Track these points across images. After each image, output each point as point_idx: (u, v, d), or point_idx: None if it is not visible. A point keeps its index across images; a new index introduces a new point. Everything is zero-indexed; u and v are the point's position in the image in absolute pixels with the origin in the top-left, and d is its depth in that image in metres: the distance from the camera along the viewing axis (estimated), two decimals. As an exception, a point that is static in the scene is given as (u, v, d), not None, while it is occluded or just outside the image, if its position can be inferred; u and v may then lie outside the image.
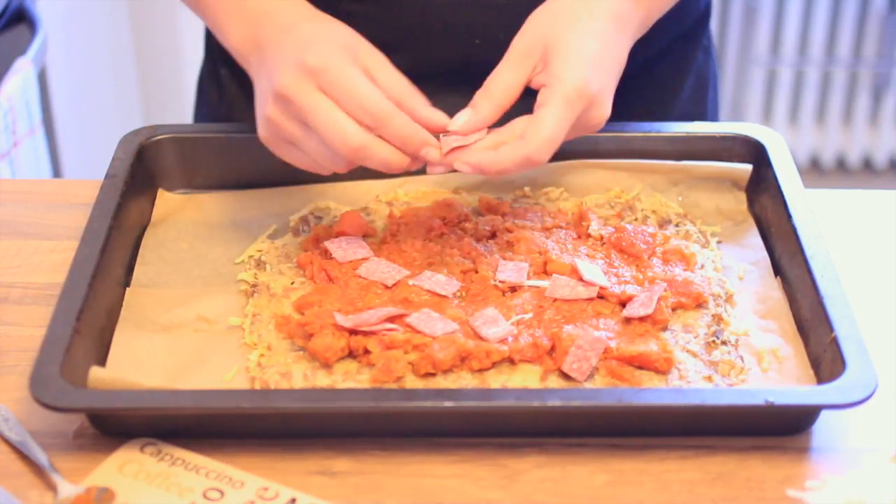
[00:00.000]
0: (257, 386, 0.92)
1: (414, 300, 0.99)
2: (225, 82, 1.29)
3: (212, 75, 1.32)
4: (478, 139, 0.97)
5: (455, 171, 0.98)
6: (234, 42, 1.05)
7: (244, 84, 1.26)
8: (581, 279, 1.01)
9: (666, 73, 1.27)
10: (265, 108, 0.97)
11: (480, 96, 0.99)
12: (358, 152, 0.95)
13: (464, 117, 0.98)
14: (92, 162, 2.02)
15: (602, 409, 0.89)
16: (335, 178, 1.14)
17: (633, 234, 1.06)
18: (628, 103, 1.12)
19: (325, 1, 1.08)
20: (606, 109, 0.99)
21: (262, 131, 0.99)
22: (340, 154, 0.95)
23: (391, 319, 0.96)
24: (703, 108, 1.31)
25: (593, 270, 1.01)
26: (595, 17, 1.00)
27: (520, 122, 0.97)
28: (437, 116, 0.97)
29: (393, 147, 0.96)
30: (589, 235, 1.07)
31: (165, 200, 1.13)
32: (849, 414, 0.91)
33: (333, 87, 0.94)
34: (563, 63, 0.97)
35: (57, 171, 2.08)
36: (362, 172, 1.14)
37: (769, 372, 0.95)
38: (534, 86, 0.99)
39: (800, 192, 1.07)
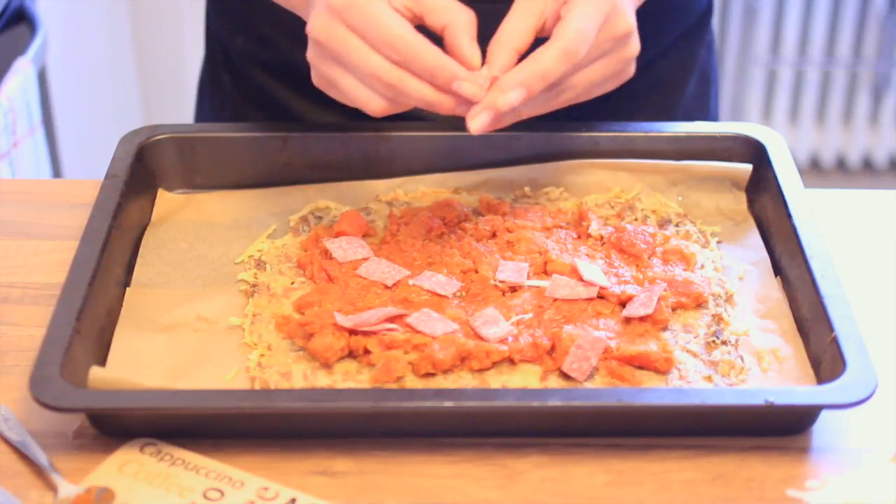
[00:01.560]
0: (257, 386, 0.92)
1: (414, 300, 0.99)
2: (227, 89, 1.29)
3: (214, 81, 1.31)
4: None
5: (493, 131, 0.95)
6: None
7: (248, 91, 1.27)
8: (581, 279, 1.01)
9: (671, 71, 1.27)
10: (308, 53, 0.97)
11: (494, 48, 0.95)
12: (392, 89, 0.94)
13: (484, 70, 0.94)
14: (92, 162, 2.01)
15: (602, 409, 0.89)
16: (335, 178, 1.14)
17: (633, 234, 1.06)
18: (634, 102, 1.12)
19: None
20: (630, 19, 0.96)
21: (313, 76, 0.98)
22: (377, 92, 0.94)
23: (391, 319, 0.96)
24: (706, 105, 1.32)
25: (593, 270, 1.01)
26: None
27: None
28: (472, 52, 0.94)
29: (428, 86, 0.94)
30: (589, 235, 1.07)
31: (165, 200, 1.13)
32: (849, 414, 0.91)
33: (360, 25, 0.93)
34: None
35: (57, 171, 2.08)
36: (362, 172, 1.15)
37: (769, 372, 0.95)
38: (547, 33, 0.96)
39: (800, 192, 1.07)
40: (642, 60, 1.02)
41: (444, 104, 0.94)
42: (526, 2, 0.97)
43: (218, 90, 1.30)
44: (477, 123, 0.94)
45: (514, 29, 0.96)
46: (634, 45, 0.98)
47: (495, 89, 0.94)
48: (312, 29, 0.95)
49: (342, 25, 0.94)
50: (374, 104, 0.95)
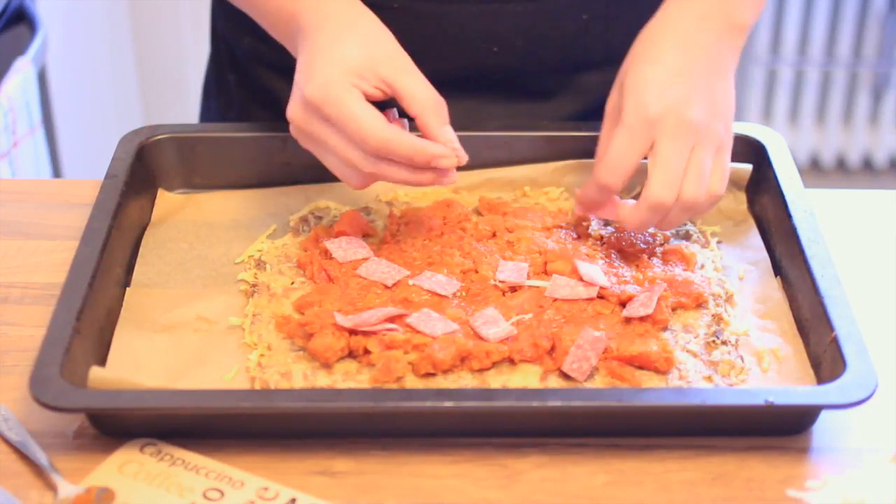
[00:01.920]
0: (257, 386, 0.92)
1: (414, 300, 0.99)
2: (233, 88, 1.29)
3: (219, 81, 1.31)
4: None
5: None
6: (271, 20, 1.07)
7: (253, 91, 1.27)
8: (581, 279, 1.01)
9: None
10: (290, 109, 1.00)
11: (600, 170, 1.01)
12: (371, 176, 0.98)
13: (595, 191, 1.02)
14: (92, 162, 2.01)
15: (602, 409, 0.89)
16: (335, 178, 1.14)
17: (633, 234, 1.06)
18: None
19: None
20: (697, 111, 0.99)
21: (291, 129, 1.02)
22: (357, 174, 0.99)
23: (391, 319, 0.96)
24: None
25: (593, 270, 1.01)
26: (656, 42, 1.03)
27: None
28: (452, 138, 0.99)
29: (405, 168, 0.98)
30: (589, 235, 1.07)
31: (165, 200, 1.13)
32: (849, 414, 0.91)
33: (335, 120, 0.97)
34: (626, 98, 1.00)
35: (57, 171, 2.08)
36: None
37: (769, 372, 0.95)
38: None
39: (800, 192, 1.07)
40: None
41: (423, 180, 0.99)
42: (611, 113, 1.02)
43: (224, 90, 1.31)
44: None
45: (627, 158, 1.00)
46: (702, 119, 1.00)
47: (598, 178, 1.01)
48: (291, 116, 1.00)
49: (318, 119, 0.97)
50: (355, 182, 1.00)
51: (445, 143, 0.98)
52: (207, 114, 1.36)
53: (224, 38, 1.30)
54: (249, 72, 1.27)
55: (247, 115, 1.27)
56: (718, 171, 1.01)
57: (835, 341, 0.91)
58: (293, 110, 0.99)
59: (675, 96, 0.99)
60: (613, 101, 1.03)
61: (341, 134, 0.97)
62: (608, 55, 1.12)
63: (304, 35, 1.01)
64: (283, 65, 1.24)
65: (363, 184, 1.00)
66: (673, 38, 1.02)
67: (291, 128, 1.01)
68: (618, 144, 0.99)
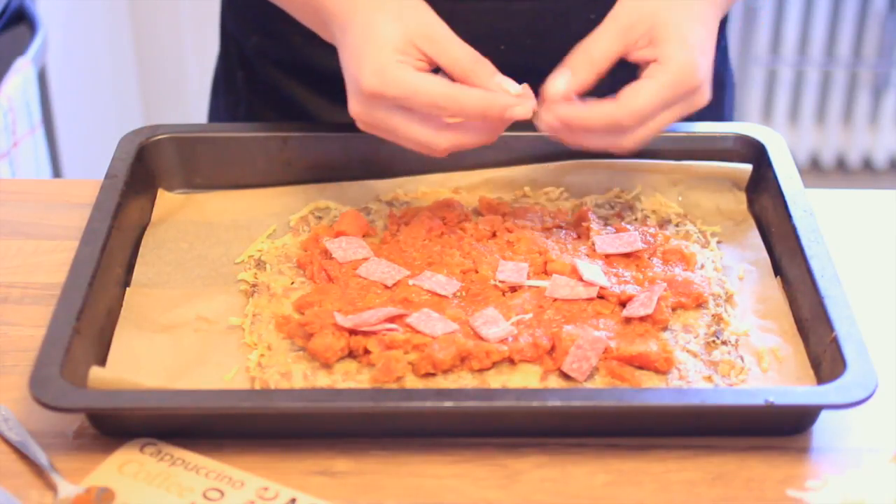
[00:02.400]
0: (257, 386, 0.92)
1: (414, 300, 0.99)
2: (241, 86, 1.29)
3: (228, 80, 1.31)
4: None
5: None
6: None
7: (262, 89, 1.27)
8: (581, 279, 1.01)
9: None
10: (351, 107, 1.00)
11: (580, 59, 0.99)
12: (449, 150, 0.98)
13: (562, 79, 0.98)
14: (92, 162, 2.02)
15: (602, 409, 0.89)
16: (335, 178, 1.14)
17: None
18: None
19: None
20: (707, 94, 1.00)
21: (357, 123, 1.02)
22: (432, 146, 0.98)
23: (391, 319, 0.96)
24: (721, 111, 1.31)
25: (593, 270, 1.01)
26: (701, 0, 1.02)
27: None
28: (507, 84, 0.97)
29: (480, 126, 0.98)
30: (589, 235, 1.07)
31: (165, 200, 1.13)
32: (849, 414, 0.91)
33: (401, 100, 0.96)
34: (677, 45, 0.98)
35: (57, 171, 2.08)
36: (362, 172, 1.15)
37: (769, 372, 0.95)
38: (633, 59, 1.00)
39: (800, 192, 1.07)
40: None
41: (495, 135, 0.99)
42: (624, 27, 0.99)
43: (232, 88, 1.31)
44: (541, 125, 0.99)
45: (607, 50, 0.99)
46: (704, 97, 1.00)
47: (544, 108, 0.98)
48: (354, 114, 0.99)
49: (382, 107, 0.97)
50: (438, 152, 0.99)
51: (510, 90, 0.97)
52: (216, 112, 1.36)
53: (233, 36, 1.30)
54: (258, 70, 1.27)
55: (255, 113, 1.27)
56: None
57: (835, 341, 0.91)
58: (354, 106, 0.99)
59: (706, 70, 0.99)
60: (631, 17, 1.00)
61: (409, 115, 0.96)
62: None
63: (338, 26, 1.01)
64: (291, 63, 1.24)
65: (446, 152, 0.99)
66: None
67: (358, 124, 1.00)
68: (654, 94, 0.97)
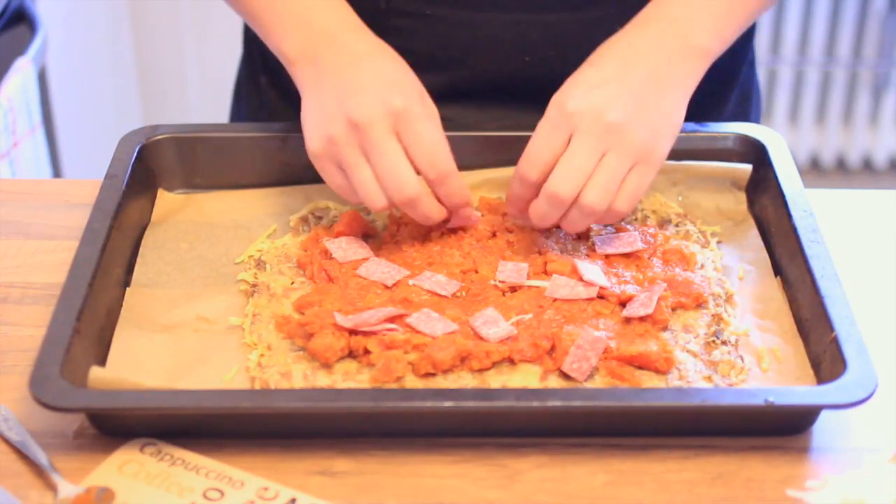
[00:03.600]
0: (257, 386, 0.92)
1: (414, 300, 0.99)
2: (264, 89, 1.29)
3: (250, 83, 1.31)
4: None
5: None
6: (286, 49, 1.06)
7: (285, 93, 1.27)
8: (581, 279, 1.01)
9: (710, 89, 1.25)
10: (330, 127, 0.99)
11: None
12: (407, 201, 0.99)
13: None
14: (92, 162, 2.02)
15: (602, 409, 0.89)
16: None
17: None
18: None
19: (373, 17, 1.08)
20: (618, 115, 0.97)
21: (316, 146, 1.01)
22: (388, 196, 0.98)
23: (391, 319, 0.96)
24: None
25: (593, 270, 1.01)
26: (604, 53, 1.03)
27: None
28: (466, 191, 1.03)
29: (437, 203, 1.00)
30: (589, 235, 1.07)
31: (165, 200, 1.13)
32: (849, 414, 0.91)
33: (409, 133, 0.97)
34: (554, 95, 1.00)
35: (57, 171, 2.08)
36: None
37: (769, 372, 0.95)
38: None
39: (800, 192, 1.07)
40: None
41: (438, 220, 1.03)
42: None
43: (255, 92, 1.31)
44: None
45: (543, 151, 1.00)
46: (631, 134, 0.98)
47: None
48: (361, 115, 0.98)
49: (390, 125, 0.97)
50: (373, 202, 1.00)
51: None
52: (238, 113, 1.36)
53: (256, 39, 1.30)
54: (281, 73, 1.27)
55: (277, 114, 1.27)
56: (630, 187, 0.98)
57: (835, 341, 0.91)
58: (325, 134, 0.99)
59: (599, 96, 0.98)
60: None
61: (401, 153, 0.97)
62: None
63: (331, 67, 1.02)
64: None
65: (387, 206, 1.00)
66: (620, 50, 1.02)
67: (326, 138, 0.99)
68: (536, 136, 0.99)
